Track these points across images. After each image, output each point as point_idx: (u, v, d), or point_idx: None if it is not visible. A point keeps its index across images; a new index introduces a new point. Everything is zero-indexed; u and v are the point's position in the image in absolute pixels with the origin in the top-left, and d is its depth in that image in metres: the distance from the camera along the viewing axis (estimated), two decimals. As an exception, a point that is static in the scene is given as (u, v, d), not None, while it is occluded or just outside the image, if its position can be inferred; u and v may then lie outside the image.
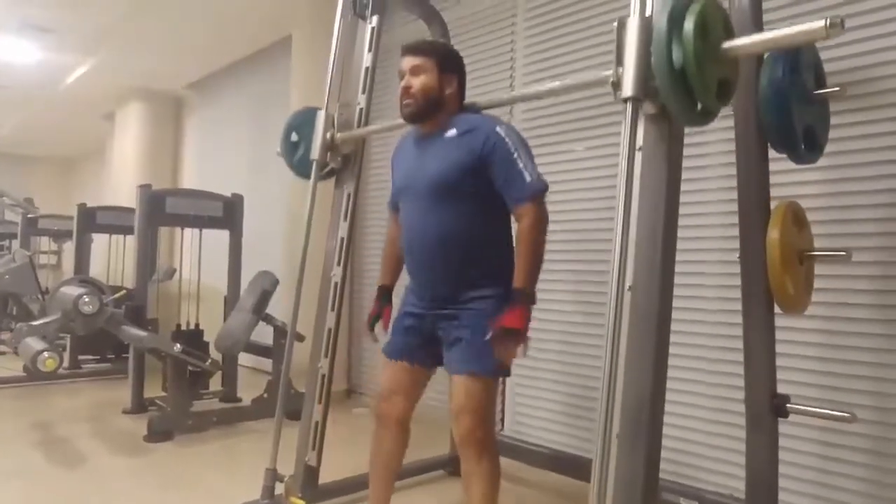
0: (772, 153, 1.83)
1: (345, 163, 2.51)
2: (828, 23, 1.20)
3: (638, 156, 1.41)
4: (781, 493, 1.86)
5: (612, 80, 1.44)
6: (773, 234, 1.71)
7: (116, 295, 3.62)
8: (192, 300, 4.41)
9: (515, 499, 2.70)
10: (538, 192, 1.83)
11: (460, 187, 1.88)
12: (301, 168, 2.59)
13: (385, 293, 2.22)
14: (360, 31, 2.57)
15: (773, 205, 1.80)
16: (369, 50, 2.53)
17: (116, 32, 5.65)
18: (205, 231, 4.31)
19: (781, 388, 1.83)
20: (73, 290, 3.42)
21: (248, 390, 4.09)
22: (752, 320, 1.81)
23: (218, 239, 4.31)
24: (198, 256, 4.31)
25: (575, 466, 2.70)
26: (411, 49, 2.00)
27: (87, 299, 3.34)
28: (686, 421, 2.64)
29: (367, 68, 2.52)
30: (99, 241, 5.86)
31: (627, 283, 1.38)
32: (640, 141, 1.41)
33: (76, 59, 6.45)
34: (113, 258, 5.72)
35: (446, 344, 1.93)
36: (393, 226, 2.20)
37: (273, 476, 2.37)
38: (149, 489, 2.79)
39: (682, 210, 1.49)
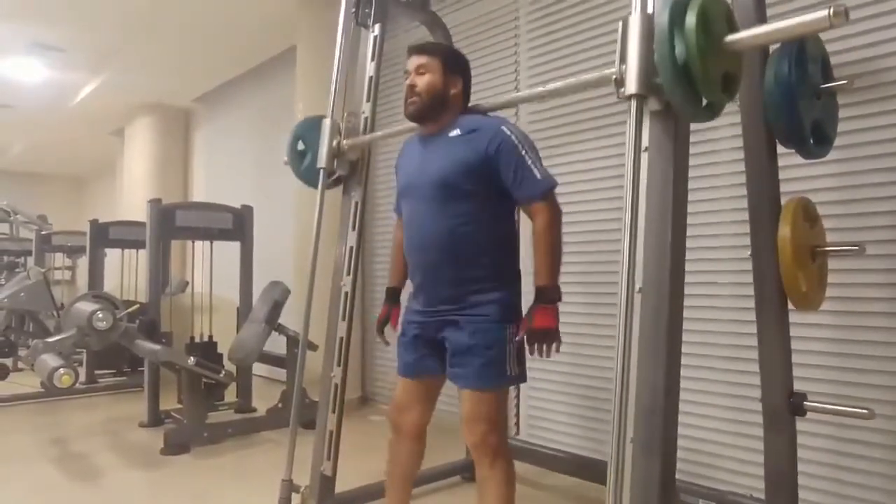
0: (781, 149, 1.82)
1: (352, 170, 2.52)
2: (831, 12, 1.18)
3: (644, 155, 1.40)
4: (800, 491, 1.84)
5: (615, 77, 1.43)
6: (784, 230, 1.69)
7: (130, 309, 3.64)
8: (205, 312, 4.43)
9: (532, 503, 2.69)
10: (549, 189, 1.84)
11: (462, 186, 1.86)
12: (308, 176, 2.59)
13: (393, 294, 2.23)
14: (363, 40, 2.58)
15: (783, 201, 1.79)
16: (372, 59, 2.53)
17: (123, 49, 5.71)
18: (215, 243, 4.34)
19: (798, 386, 1.81)
20: (87, 306, 3.45)
21: (263, 400, 4.11)
22: (765, 319, 1.80)
23: (229, 251, 4.33)
24: (209, 269, 4.34)
25: (591, 469, 2.68)
26: (417, 49, 2.01)
27: (101, 315, 3.37)
28: (702, 421, 2.62)
29: (370, 77, 2.52)
30: (112, 255, 5.91)
31: (637, 285, 1.38)
32: (645, 140, 1.40)
33: (84, 77, 6.53)
34: (126, 273, 5.76)
35: (451, 352, 1.91)
36: (399, 231, 2.20)
37: (289, 487, 2.37)
38: (166, 502, 2.81)
39: (692, 209, 1.48)
